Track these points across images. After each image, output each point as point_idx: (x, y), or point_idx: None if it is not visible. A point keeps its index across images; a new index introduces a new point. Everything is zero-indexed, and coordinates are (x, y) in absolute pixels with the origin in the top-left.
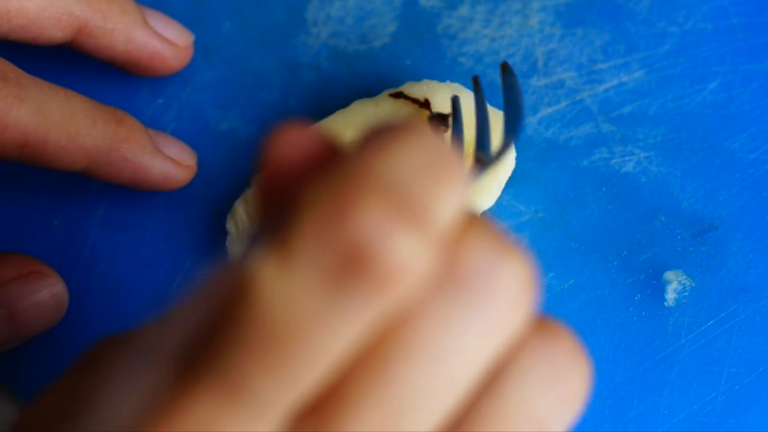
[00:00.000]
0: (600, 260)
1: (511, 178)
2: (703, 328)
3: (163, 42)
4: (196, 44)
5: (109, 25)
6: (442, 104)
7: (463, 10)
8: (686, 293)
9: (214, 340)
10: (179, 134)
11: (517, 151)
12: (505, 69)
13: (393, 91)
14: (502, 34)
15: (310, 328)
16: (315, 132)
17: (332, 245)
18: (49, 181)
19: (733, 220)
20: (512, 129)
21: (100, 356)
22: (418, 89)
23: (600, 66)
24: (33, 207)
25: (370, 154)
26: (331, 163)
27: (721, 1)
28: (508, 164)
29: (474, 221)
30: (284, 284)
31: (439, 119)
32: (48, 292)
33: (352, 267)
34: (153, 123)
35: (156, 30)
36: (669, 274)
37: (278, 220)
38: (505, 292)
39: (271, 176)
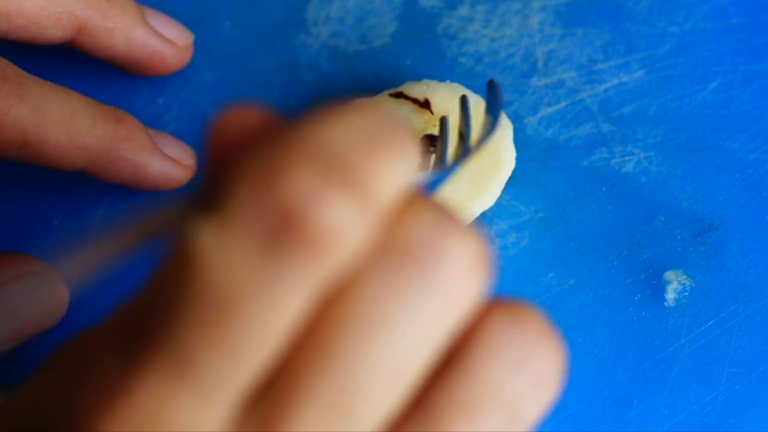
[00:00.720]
0: (600, 260)
1: (511, 178)
2: (703, 328)
3: (163, 41)
4: (196, 44)
5: (109, 24)
6: (441, 104)
7: (463, 10)
8: (686, 293)
9: (158, 316)
10: (179, 134)
11: (517, 151)
12: (492, 85)
13: (393, 91)
14: (502, 34)
15: (250, 296)
16: (260, 108)
17: (265, 210)
18: (49, 180)
19: (733, 220)
20: (493, 111)
21: (66, 354)
22: (418, 89)
23: (600, 66)
24: (33, 207)
25: (312, 125)
26: (273, 134)
27: (721, 1)
28: (508, 164)
29: (420, 200)
30: (222, 252)
31: (429, 140)
32: (48, 292)
33: (285, 231)
34: (153, 123)
35: (156, 29)
36: (669, 274)
37: (216, 189)
38: (454, 265)
39: (216, 150)
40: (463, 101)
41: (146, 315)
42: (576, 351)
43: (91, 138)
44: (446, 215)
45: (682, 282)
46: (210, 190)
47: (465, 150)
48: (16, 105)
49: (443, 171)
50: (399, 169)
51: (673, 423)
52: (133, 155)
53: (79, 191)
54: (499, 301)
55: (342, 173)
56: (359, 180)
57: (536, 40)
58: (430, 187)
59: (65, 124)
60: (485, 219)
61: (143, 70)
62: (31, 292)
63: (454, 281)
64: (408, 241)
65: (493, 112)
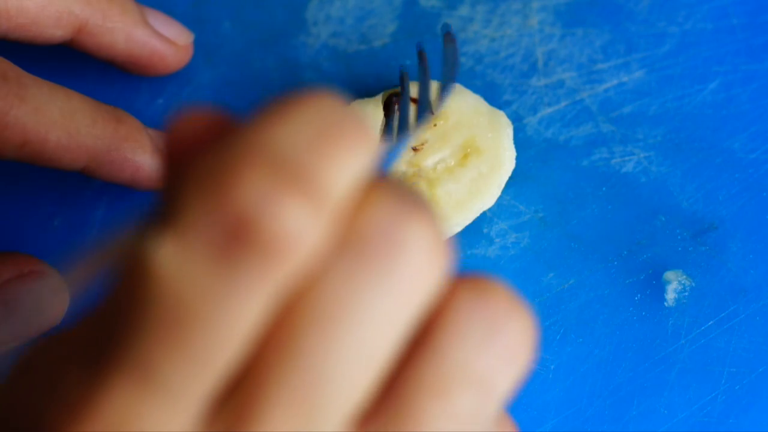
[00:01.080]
0: (600, 260)
1: (511, 178)
2: (703, 328)
3: (163, 41)
4: (196, 44)
5: (109, 24)
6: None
7: (463, 10)
8: (686, 293)
9: (120, 328)
10: None
11: (517, 151)
12: (447, 38)
13: (393, 91)
14: (502, 34)
15: (208, 305)
16: (214, 111)
17: (217, 219)
18: (49, 180)
19: (733, 220)
20: (447, 79)
21: (31, 364)
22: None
23: (600, 66)
24: (33, 207)
25: (261, 126)
26: (224, 138)
27: (721, 1)
28: (508, 164)
29: (377, 187)
30: (178, 263)
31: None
32: (48, 292)
33: (238, 239)
34: (153, 123)
35: (156, 29)
36: (669, 274)
37: (171, 197)
38: (412, 252)
39: (171, 157)
40: (420, 56)
41: (108, 328)
42: (576, 351)
43: (92, 138)
44: (402, 201)
45: (682, 282)
46: (165, 202)
47: (422, 112)
48: (17, 105)
49: (404, 136)
50: (351, 162)
51: (673, 423)
52: (134, 155)
53: (79, 191)
54: (464, 277)
55: (292, 175)
56: (310, 180)
57: (536, 40)
58: (390, 157)
59: (65, 123)
60: (485, 219)
61: (143, 70)
62: (31, 291)
63: (414, 268)
64: (365, 232)
65: (448, 68)
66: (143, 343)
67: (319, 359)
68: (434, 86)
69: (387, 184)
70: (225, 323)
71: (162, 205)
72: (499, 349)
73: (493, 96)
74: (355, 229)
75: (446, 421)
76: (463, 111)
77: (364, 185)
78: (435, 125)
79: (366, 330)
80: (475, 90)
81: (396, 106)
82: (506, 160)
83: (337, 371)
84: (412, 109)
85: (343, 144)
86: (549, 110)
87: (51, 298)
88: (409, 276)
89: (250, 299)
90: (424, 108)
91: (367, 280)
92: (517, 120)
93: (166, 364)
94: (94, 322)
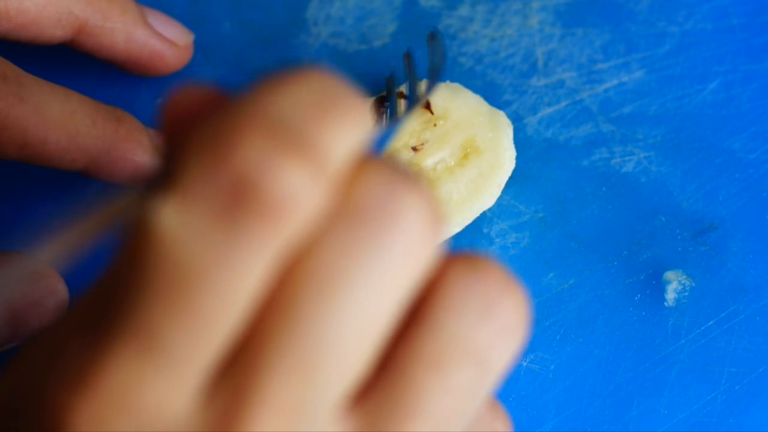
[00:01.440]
0: (600, 260)
1: (511, 178)
2: (703, 328)
3: (163, 41)
4: (196, 44)
5: (109, 24)
6: (441, 104)
7: (463, 10)
8: (686, 293)
9: (121, 296)
10: None
11: (517, 151)
12: (432, 38)
13: (381, 95)
14: (502, 34)
15: (211, 268)
16: (210, 85)
17: (219, 181)
18: (49, 180)
19: (733, 220)
20: (434, 75)
21: (33, 346)
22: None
23: (600, 66)
24: (33, 207)
25: (261, 94)
26: (223, 107)
27: (721, 1)
28: (508, 164)
29: (373, 160)
30: (179, 226)
31: (380, 102)
32: (48, 292)
33: (240, 200)
34: (153, 123)
35: (156, 29)
36: (669, 274)
37: (171, 166)
38: (408, 222)
39: (169, 127)
40: (408, 57)
41: (109, 296)
42: (576, 351)
43: (91, 138)
44: (398, 174)
45: (682, 282)
46: (165, 168)
47: (410, 103)
48: (17, 105)
49: (392, 125)
50: (349, 131)
51: (673, 423)
52: (133, 155)
53: (79, 191)
54: (458, 254)
55: (293, 139)
56: (310, 145)
57: (536, 40)
58: (381, 142)
59: (65, 124)
60: (485, 219)
61: (143, 70)
62: (31, 292)
63: (409, 237)
64: (362, 201)
65: (434, 64)
66: (144, 309)
67: (318, 326)
68: (423, 84)
69: (382, 159)
70: (227, 285)
71: (160, 171)
72: (495, 324)
73: (493, 96)
74: (352, 197)
75: (443, 396)
76: (463, 111)
77: (360, 158)
78: (435, 125)
79: (364, 297)
80: (475, 90)
81: (384, 106)
82: (506, 160)
83: (336, 338)
84: (402, 103)
85: (341, 113)
86: (549, 110)
87: (50, 298)
88: (404, 244)
89: (252, 261)
90: (412, 99)
91: (364, 248)
92: (517, 120)
93: (168, 329)
94: (96, 292)
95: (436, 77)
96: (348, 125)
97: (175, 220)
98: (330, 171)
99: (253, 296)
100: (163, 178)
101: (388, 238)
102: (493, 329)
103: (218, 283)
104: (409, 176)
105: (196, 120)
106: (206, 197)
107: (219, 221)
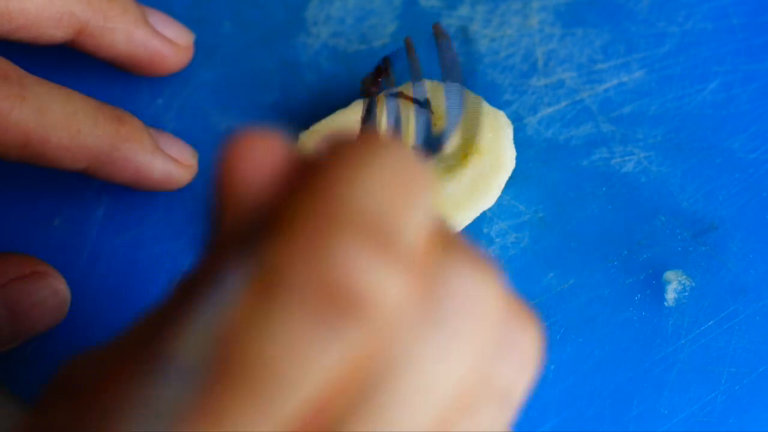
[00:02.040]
0: (600, 260)
1: (511, 178)
2: (703, 328)
3: (164, 41)
4: (196, 44)
5: (110, 24)
6: (441, 104)
7: (463, 10)
8: (686, 293)
9: (207, 382)
10: (179, 134)
11: (517, 151)
12: (438, 32)
13: (393, 90)
14: (502, 34)
15: (292, 365)
16: (277, 140)
17: (314, 283)
18: (49, 180)
19: (733, 220)
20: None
21: (82, 379)
22: None
23: (600, 66)
24: (33, 207)
25: (339, 176)
26: (302, 184)
27: (721, 1)
28: (508, 164)
29: (443, 232)
30: (267, 323)
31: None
32: (50, 292)
33: (335, 304)
34: (153, 123)
35: (157, 29)
36: (669, 274)
37: (250, 249)
38: (484, 311)
39: (234, 187)
40: (409, 44)
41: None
42: (576, 351)
43: (93, 138)
44: (470, 251)
45: (682, 282)
46: (238, 244)
47: (417, 94)
48: (18, 105)
49: (434, 144)
50: (423, 205)
51: (673, 423)
52: (135, 155)
53: (79, 191)
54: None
55: (380, 234)
56: (395, 237)
57: (536, 40)
58: (424, 155)
59: (67, 124)
60: (485, 219)
61: (144, 70)
62: (32, 292)
63: (484, 323)
64: (443, 296)
65: (448, 64)
66: (223, 401)
67: (387, 413)
68: (427, 84)
69: (450, 231)
70: (304, 378)
71: (236, 250)
72: (515, 359)
73: (493, 96)
74: (432, 287)
75: None
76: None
77: (433, 227)
78: (435, 125)
79: (437, 382)
80: (475, 90)
81: (373, 89)
82: (506, 160)
83: (404, 421)
84: (406, 105)
85: (413, 191)
86: (549, 110)
87: (52, 298)
88: (479, 332)
89: (332, 354)
90: (451, 116)
91: (444, 338)
92: (517, 120)
93: (240, 419)
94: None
95: (456, 77)
96: (422, 201)
97: (262, 316)
98: (412, 259)
99: (326, 380)
100: (241, 260)
101: (468, 327)
102: (514, 365)
103: (296, 377)
104: (484, 262)
105: (265, 182)
106: (299, 298)
107: (310, 323)
